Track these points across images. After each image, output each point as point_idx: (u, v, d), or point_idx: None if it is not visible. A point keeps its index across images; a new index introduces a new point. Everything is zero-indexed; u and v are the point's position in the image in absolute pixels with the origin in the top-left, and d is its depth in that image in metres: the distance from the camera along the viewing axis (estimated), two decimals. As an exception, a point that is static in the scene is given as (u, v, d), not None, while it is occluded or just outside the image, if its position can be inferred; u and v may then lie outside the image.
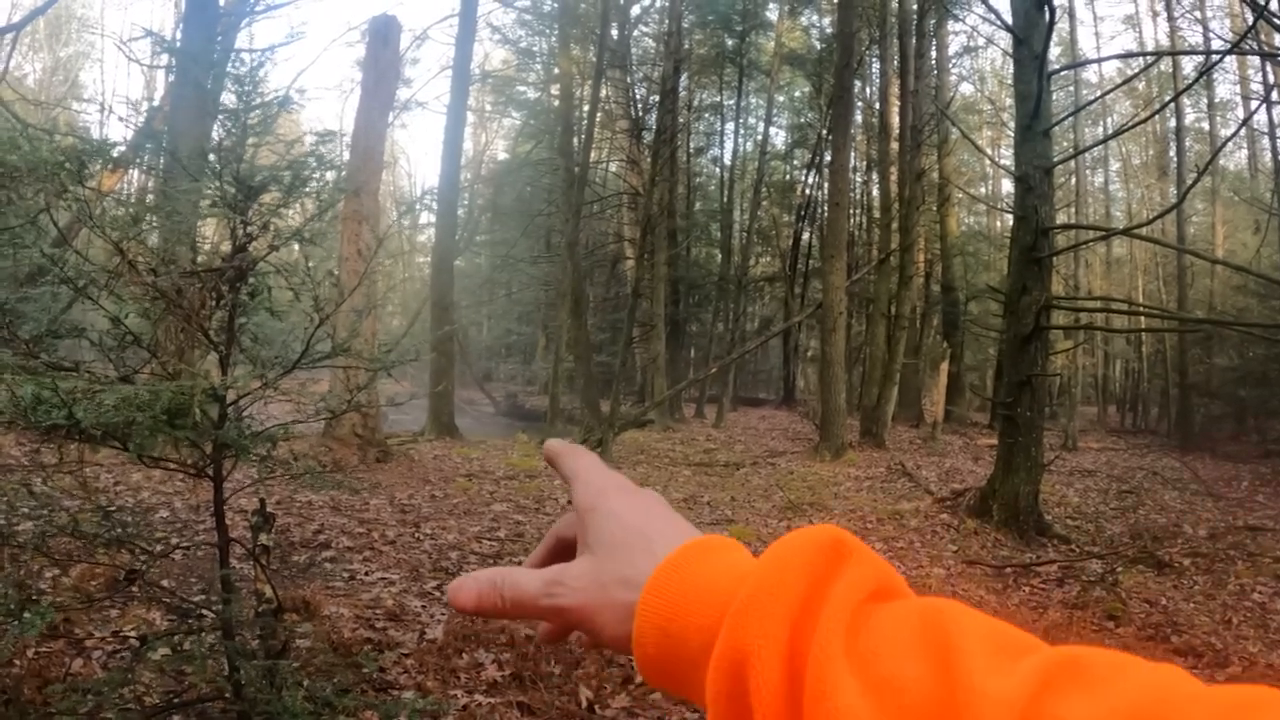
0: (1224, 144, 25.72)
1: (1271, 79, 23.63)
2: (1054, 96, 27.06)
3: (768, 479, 14.73)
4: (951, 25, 28.77)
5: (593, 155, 29.80)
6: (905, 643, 0.46)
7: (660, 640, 0.53)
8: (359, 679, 4.60)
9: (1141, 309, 19.55)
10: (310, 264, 3.27)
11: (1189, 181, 23.18)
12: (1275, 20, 15.44)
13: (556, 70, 29.38)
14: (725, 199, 34.61)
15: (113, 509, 3.30)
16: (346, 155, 14.88)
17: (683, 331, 31.80)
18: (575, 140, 25.55)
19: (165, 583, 5.85)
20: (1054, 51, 29.84)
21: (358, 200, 13.03)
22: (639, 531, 0.59)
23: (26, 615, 2.60)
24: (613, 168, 35.00)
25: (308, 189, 3.22)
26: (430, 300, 20.10)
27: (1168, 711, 0.37)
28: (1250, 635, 7.51)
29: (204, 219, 3.57)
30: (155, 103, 19.95)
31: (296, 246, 3.27)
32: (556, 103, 30.00)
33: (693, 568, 0.54)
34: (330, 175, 3.33)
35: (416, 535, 8.58)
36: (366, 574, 7.14)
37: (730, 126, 35.77)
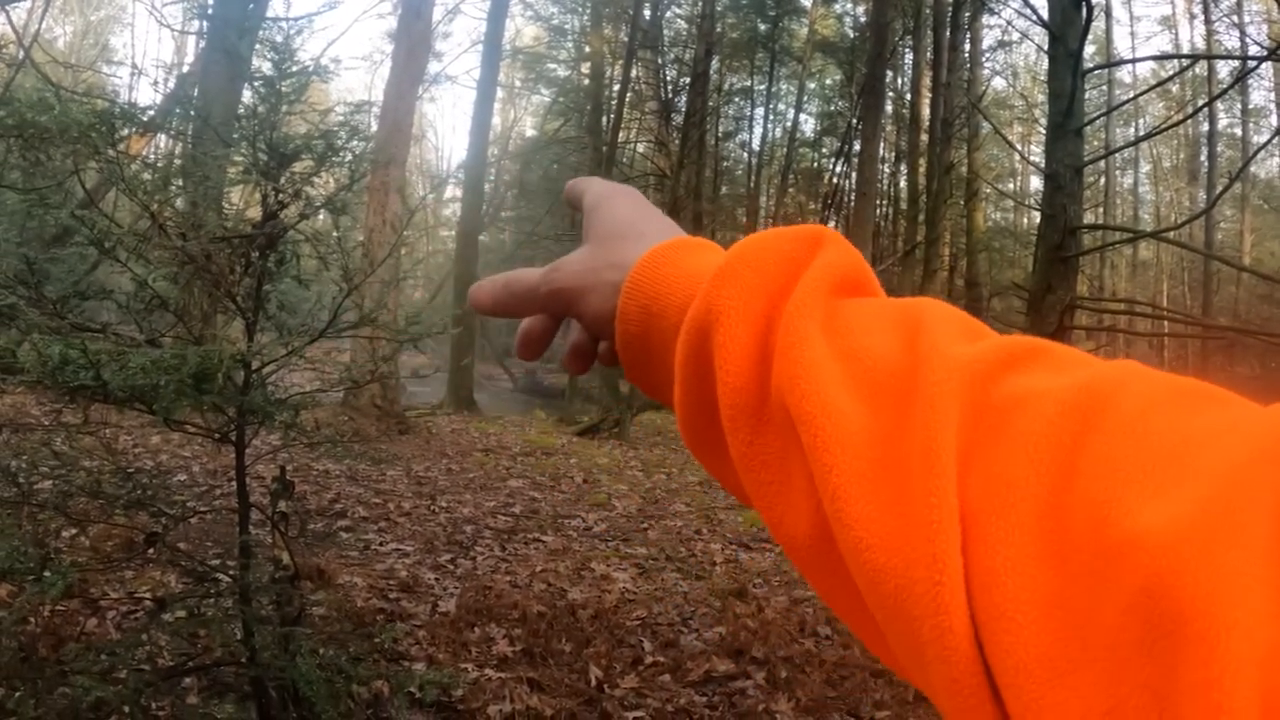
0: (1257, 151, 25.54)
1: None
2: (1087, 95, 26.92)
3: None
4: (986, 19, 28.52)
5: (621, 135, 29.73)
6: (879, 324, 0.47)
7: (641, 316, 0.56)
8: (371, 648, 4.62)
9: (1166, 313, 19.43)
10: (338, 234, 3.27)
11: (1219, 187, 23.05)
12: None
13: (587, 49, 29.33)
14: (752, 184, 34.50)
15: (132, 470, 3.30)
16: (375, 127, 14.89)
17: (706, 314, 31.76)
18: (604, 119, 25.54)
19: (182, 545, 5.89)
20: (1089, 50, 29.64)
21: (385, 172, 13.05)
22: (633, 225, 0.64)
23: (47, 574, 2.61)
24: (640, 148, 34.91)
25: (339, 158, 3.21)
26: (454, 274, 20.12)
27: (1122, 389, 0.37)
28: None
29: (232, 185, 3.57)
30: (185, 68, 19.98)
31: (324, 215, 3.27)
32: (586, 81, 29.97)
33: (679, 255, 0.57)
34: (360, 146, 3.32)
35: (432, 508, 8.62)
36: (381, 544, 7.18)
37: (760, 112, 35.65)
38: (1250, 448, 0.32)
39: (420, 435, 13.43)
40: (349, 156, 3.27)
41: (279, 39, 3.22)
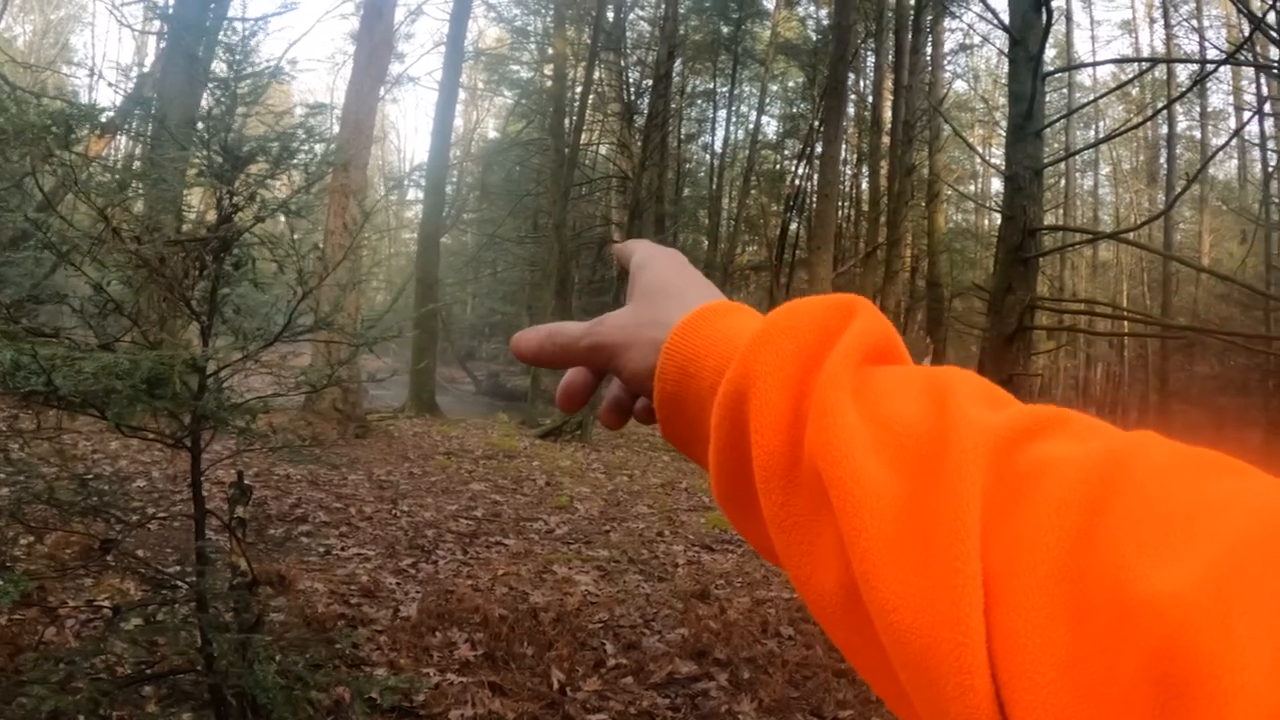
0: (1215, 153, 25.82)
1: (1265, 91, 23.72)
2: (1047, 98, 27.13)
3: (749, 469, 14.71)
4: (948, 22, 28.70)
5: (583, 137, 29.71)
6: (907, 391, 0.48)
7: (679, 377, 0.58)
8: (332, 654, 4.59)
9: (1125, 313, 19.64)
10: (296, 237, 3.24)
11: (1178, 188, 23.33)
12: (1271, 32, 15.51)
13: (550, 50, 29.27)
14: (714, 186, 34.57)
15: (90, 477, 3.27)
16: (336, 128, 14.82)
17: (667, 316, 31.76)
18: (566, 121, 25.49)
19: (141, 553, 5.83)
20: (1050, 53, 29.90)
21: (346, 174, 12.96)
22: (676, 286, 0.66)
23: (0, 583, 2.58)
24: (603, 150, 34.91)
25: (296, 161, 3.18)
26: (415, 277, 20.02)
27: (1140, 457, 0.39)
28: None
29: (190, 188, 3.54)
30: (146, 69, 19.77)
31: (283, 219, 3.25)
32: (549, 83, 29.89)
33: (717, 318, 0.59)
34: (319, 148, 3.30)
35: (394, 512, 8.58)
36: (342, 549, 7.14)
37: (722, 114, 35.70)
38: (1259, 517, 0.34)
39: (382, 439, 13.36)
40: (305, 159, 3.25)
41: (235, 40, 3.19)
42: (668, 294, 0.65)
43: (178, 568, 5.09)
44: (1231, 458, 0.39)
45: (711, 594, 6.98)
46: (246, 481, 3.63)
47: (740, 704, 5.01)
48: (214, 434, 3.18)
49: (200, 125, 3.14)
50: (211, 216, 3.24)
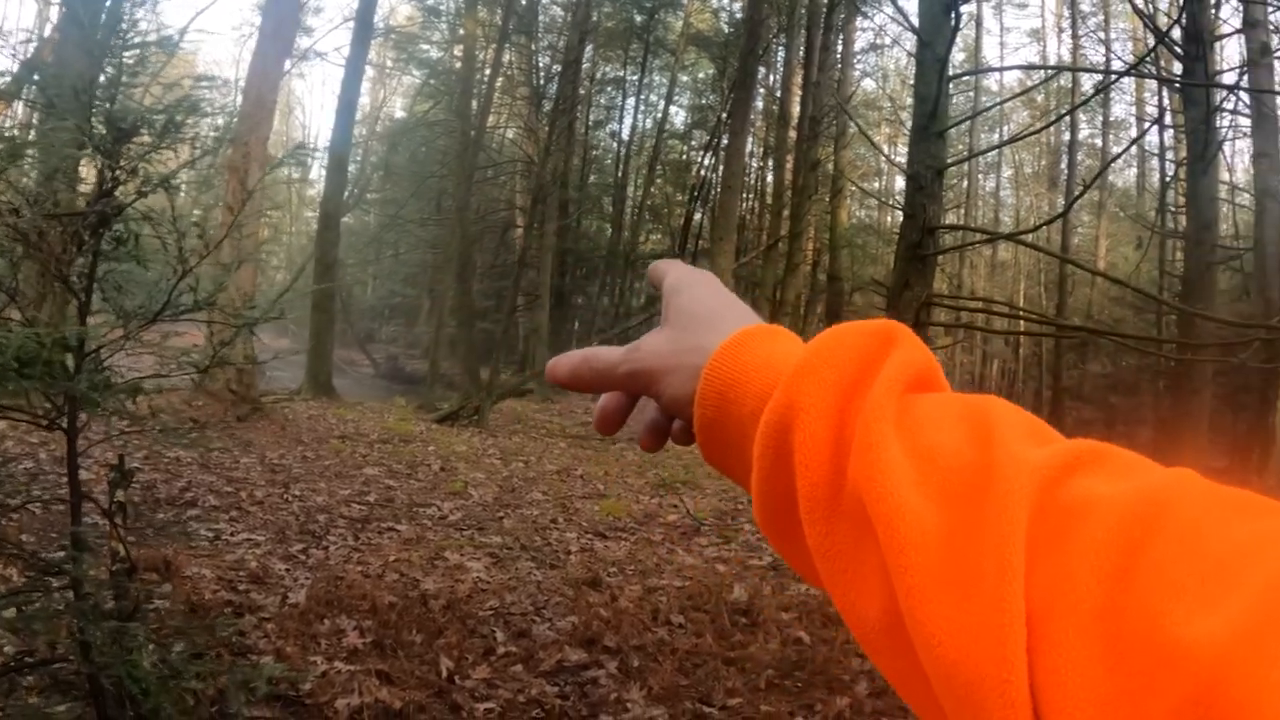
0: (1112, 159, 26.55)
1: (1166, 103, 24.43)
2: (954, 101, 27.60)
3: (643, 456, 14.72)
4: (860, 21, 29.12)
5: (490, 120, 29.52)
6: (948, 421, 0.50)
7: (719, 402, 0.59)
8: (217, 642, 4.50)
9: (1021, 313, 20.08)
10: (197, 213, 3.17)
11: (1077, 193, 23.98)
12: (1174, 47, 15.99)
13: (461, 31, 28.96)
14: (620, 174, 34.61)
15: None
16: (240, 100, 14.51)
17: (568, 303, 31.75)
18: (474, 103, 25.28)
19: (26, 538, 5.66)
20: (958, 57, 30.50)
21: (246, 148, 12.69)
22: (713, 311, 0.66)
23: None
24: (510, 134, 34.70)
25: (182, 134, 3.09)
26: (314, 257, 19.69)
27: (1178, 498, 0.40)
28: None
29: (78, 160, 3.42)
30: (46, 34, 19.12)
31: (182, 193, 3.16)
32: (458, 64, 29.57)
33: (756, 344, 0.60)
34: (207, 122, 3.22)
35: (285, 496, 8.45)
36: (232, 534, 7.01)
37: (631, 102, 35.82)
38: None
39: (276, 421, 13.12)
40: (193, 133, 3.16)
41: (122, 8, 3.10)
42: (705, 318, 0.66)
43: (63, 553, 4.95)
44: (1264, 498, 0.40)
45: (603, 581, 6.99)
46: (134, 465, 3.54)
47: (629, 692, 5.02)
48: (90, 416, 3.08)
49: (83, 95, 3.03)
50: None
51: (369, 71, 32.06)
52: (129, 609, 3.28)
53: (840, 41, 27.11)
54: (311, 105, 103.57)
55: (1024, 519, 0.42)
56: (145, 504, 7.43)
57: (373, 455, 11.35)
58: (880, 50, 33.64)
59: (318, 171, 40.34)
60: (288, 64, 17.47)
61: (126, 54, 3.08)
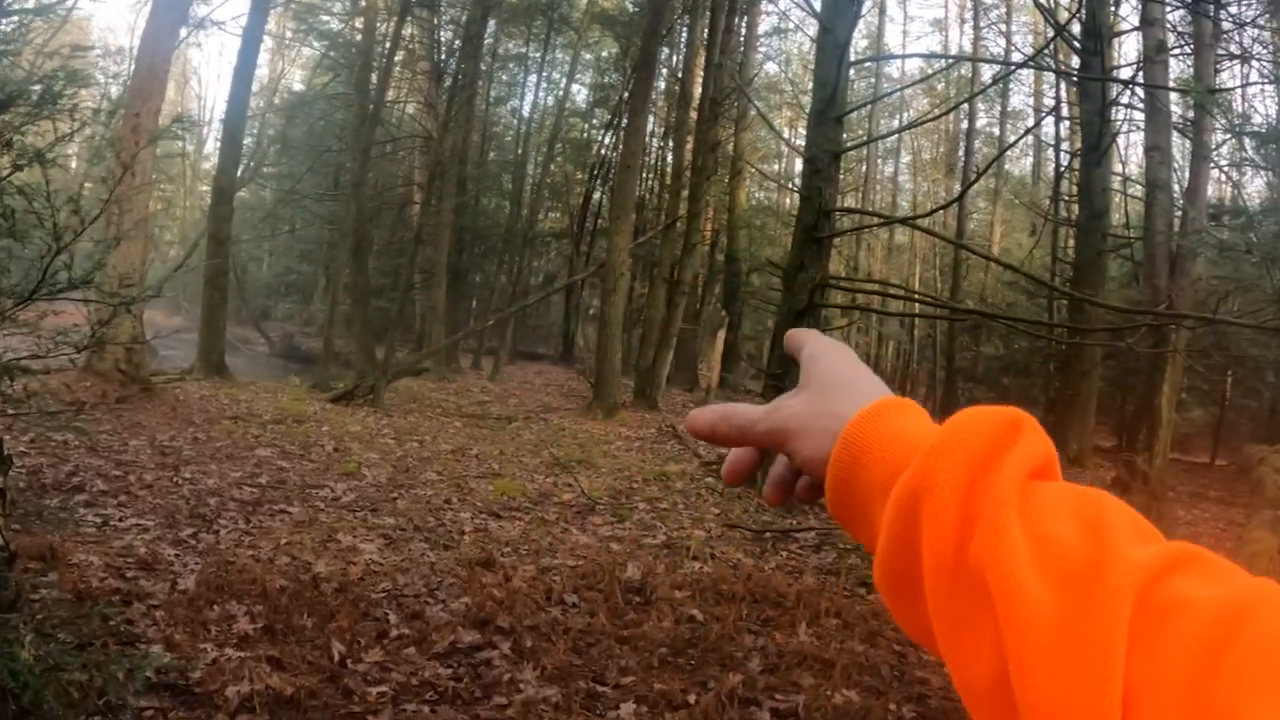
0: (1007, 148, 27.11)
1: (1063, 95, 25.04)
2: (855, 86, 27.92)
3: (539, 435, 14.83)
4: (763, 5, 29.30)
5: (390, 95, 29.07)
6: (1064, 511, 0.54)
7: (852, 466, 0.64)
8: (104, 631, 4.41)
9: (916, 296, 20.47)
10: (88, 186, 3.07)
11: (971, 179, 24.51)
12: (1073, 42, 16.38)
13: (363, 2, 28.46)
14: (520, 151, 34.39)
15: None
16: (133, 69, 14.08)
17: (465, 281, 31.41)
18: (373, 77, 24.89)
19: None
20: (861, 44, 30.92)
21: (136, 120, 12.35)
22: (850, 381, 0.71)
23: None
24: (409, 109, 34.19)
25: (60, 105, 3.00)
26: (207, 232, 19.20)
27: (1262, 606, 0.45)
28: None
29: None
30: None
31: (74, 165, 3.06)
32: (359, 36, 29.07)
33: (891, 416, 0.65)
34: (99, 93, 3.12)
35: (175, 479, 8.30)
36: (120, 520, 6.87)
37: (533, 79, 35.61)
38: None
39: (167, 402, 12.81)
40: (73, 103, 3.06)
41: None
42: (842, 387, 0.70)
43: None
44: None
45: (497, 561, 7.01)
46: (19, 449, 3.44)
47: (523, 672, 5.04)
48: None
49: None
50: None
51: (267, 42, 31.33)
52: (9, 599, 3.21)
53: (744, 24, 27.25)
54: (208, 76, 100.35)
55: (1128, 611, 0.47)
56: (30, 490, 7.25)
57: (265, 436, 11.18)
58: (783, 34, 33.80)
59: (213, 144, 39.40)
60: (183, 32, 16.98)
61: (2, 22, 2.97)
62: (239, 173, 20.72)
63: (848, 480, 0.64)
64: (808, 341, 0.78)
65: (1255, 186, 22.57)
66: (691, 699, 4.98)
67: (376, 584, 6.13)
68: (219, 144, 21.75)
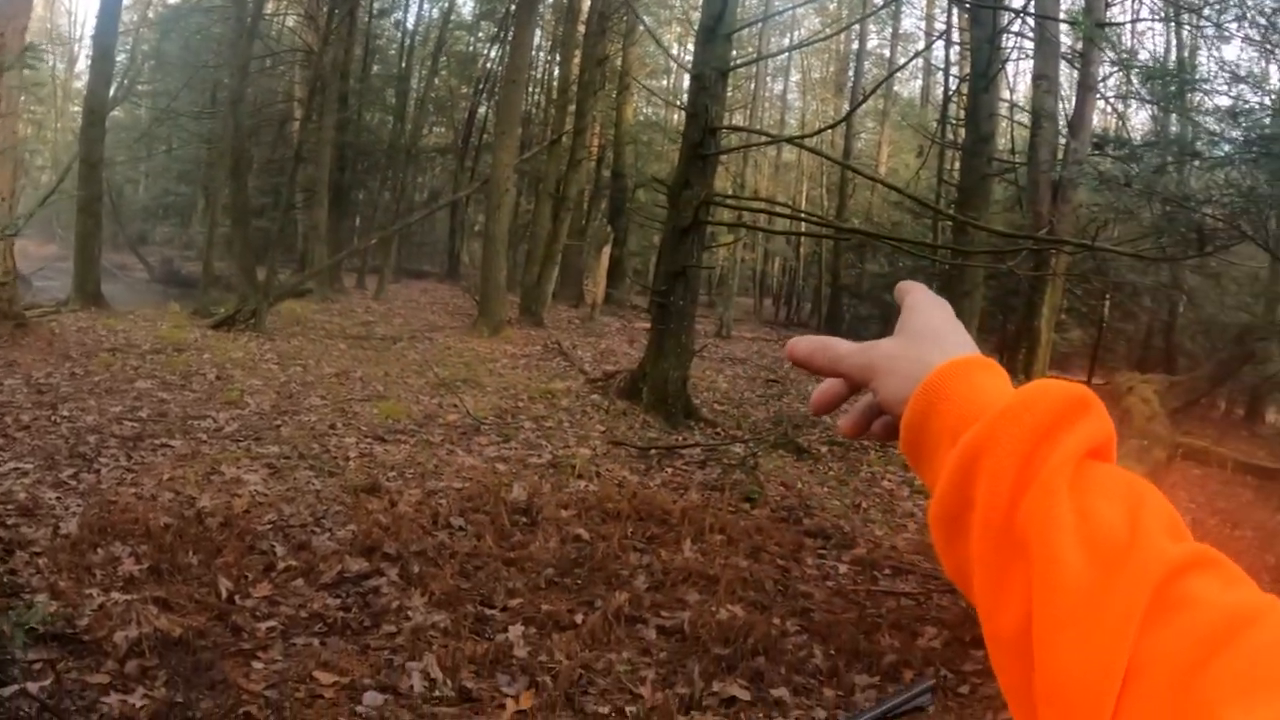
0: (896, 69, 27.38)
1: (954, 20, 25.22)
2: (746, 3, 27.80)
3: (424, 355, 14.79)
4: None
5: (269, 7, 28.20)
6: (1112, 493, 0.59)
7: (927, 411, 0.69)
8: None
9: (802, 215, 20.67)
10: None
11: (859, 100, 24.70)
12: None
13: (241, -92, 27.38)
14: (404, 65, 33.61)
15: None
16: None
17: (348, 199, 30.75)
18: (251, -12, 24.09)
19: None
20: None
21: (1, 39, 11.83)
22: (943, 335, 0.76)
23: None
24: (289, 22, 33.14)
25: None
26: (79, 156, 18.52)
27: (1265, 619, 0.50)
28: (877, 519, 8.29)
29: None
30: None
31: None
32: (235, -55, 28.02)
33: (972, 373, 0.69)
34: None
35: (53, 418, 8.14)
36: (-2, 464, 6.72)
37: (418, -9, 34.69)
38: None
39: (43, 336, 12.40)
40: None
41: None
42: (932, 337, 0.75)
43: None
44: None
45: (382, 487, 7.05)
46: None
47: (411, 599, 5.12)
48: None
49: None
50: None
51: (141, -48, 30.02)
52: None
53: (635, -63, 26.88)
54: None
55: (1148, 596, 0.52)
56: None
57: (145, 367, 10.95)
58: (676, -51, 33.46)
59: (84, 63, 37.74)
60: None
61: None
62: (112, 92, 20.01)
63: (921, 424, 0.69)
64: (911, 292, 0.83)
65: (1140, 119, 23.10)
66: (579, 619, 5.11)
67: (262, 516, 6.14)
68: (90, 62, 20.84)
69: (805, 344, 0.82)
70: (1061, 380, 0.66)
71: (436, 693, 4.15)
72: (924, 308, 0.80)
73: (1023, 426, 0.61)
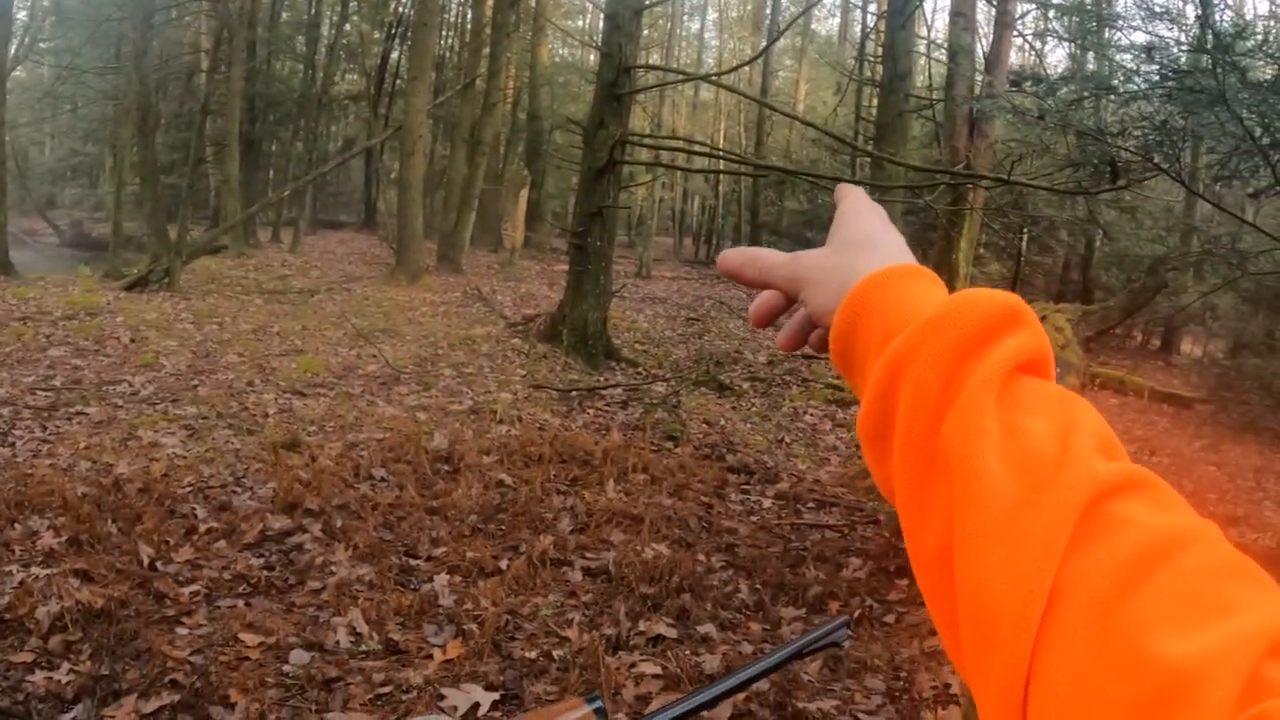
0: (812, 5, 27.27)
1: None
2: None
3: (342, 305, 14.68)
4: None
5: (175, -46, 27.40)
6: (1041, 408, 0.57)
7: (854, 322, 0.67)
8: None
9: (720, 153, 20.72)
10: None
11: (774, 37, 24.71)
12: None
13: None
14: (313, 11, 32.89)
15: None
16: None
17: (259, 151, 30.23)
18: (153, -65, 23.42)
19: None
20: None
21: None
22: (872, 240, 0.74)
23: None
24: (196, -29, 32.29)
25: None
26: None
27: (1196, 545, 0.49)
28: (800, 454, 8.42)
29: None
30: None
31: None
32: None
33: (901, 281, 0.67)
34: None
35: (-38, 395, 7.95)
36: (-93, 446, 6.57)
37: (326, -68, 33.83)
38: (1261, 626, 0.44)
39: (-51, 311, 12.12)
40: None
41: None
42: (863, 246, 0.73)
43: None
44: (1264, 572, 0.49)
45: (302, 442, 7.03)
46: None
47: (335, 554, 5.15)
48: None
49: None
50: None
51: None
52: None
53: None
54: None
55: (1075, 516, 0.49)
56: None
57: (57, 334, 10.71)
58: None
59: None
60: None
61: None
62: (12, 51, 19.42)
63: (849, 335, 0.68)
64: (845, 197, 0.81)
65: (1057, 56, 23.33)
66: (503, 565, 5.17)
67: (181, 479, 6.09)
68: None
69: (735, 256, 0.81)
70: (992, 290, 0.63)
71: (363, 647, 4.17)
72: (856, 215, 0.78)
73: (947, 338, 0.59)
